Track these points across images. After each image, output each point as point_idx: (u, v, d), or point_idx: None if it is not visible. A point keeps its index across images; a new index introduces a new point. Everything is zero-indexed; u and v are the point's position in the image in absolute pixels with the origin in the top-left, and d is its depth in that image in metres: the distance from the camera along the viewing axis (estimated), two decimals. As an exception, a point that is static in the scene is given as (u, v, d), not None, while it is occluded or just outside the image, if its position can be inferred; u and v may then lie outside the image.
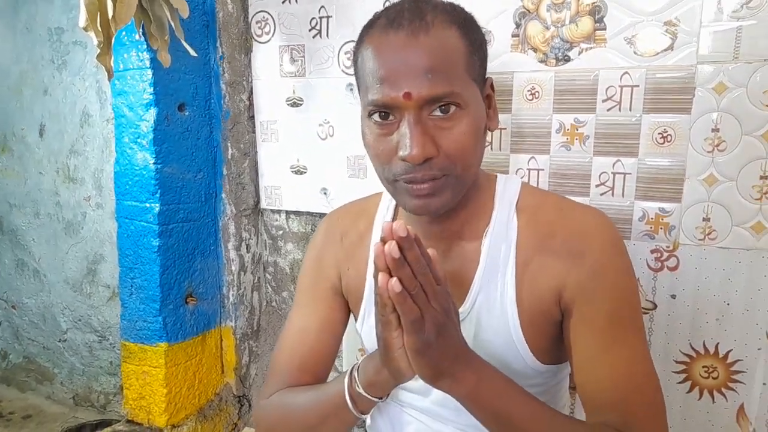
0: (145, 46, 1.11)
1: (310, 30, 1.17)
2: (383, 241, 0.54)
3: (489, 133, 0.80)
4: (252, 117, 1.31)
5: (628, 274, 0.71)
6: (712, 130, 0.87)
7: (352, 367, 0.72)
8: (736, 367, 0.92)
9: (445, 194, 0.67)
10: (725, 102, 0.86)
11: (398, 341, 0.60)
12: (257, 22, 1.24)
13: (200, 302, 1.29)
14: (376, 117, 0.67)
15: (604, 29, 0.91)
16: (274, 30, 1.22)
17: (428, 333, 0.58)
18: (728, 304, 0.91)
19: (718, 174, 0.88)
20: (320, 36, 1.17)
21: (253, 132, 1.31)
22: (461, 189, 0.69)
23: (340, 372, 1.29)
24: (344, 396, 0.70)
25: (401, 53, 0.64)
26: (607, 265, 0.69)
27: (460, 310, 0.72)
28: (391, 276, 0.54)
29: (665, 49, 0.88)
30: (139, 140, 1.16)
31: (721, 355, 0.93)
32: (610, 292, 0.68)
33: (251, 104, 1.30)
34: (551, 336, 0.72)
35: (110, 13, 0.93)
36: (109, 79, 1.01)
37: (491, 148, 1.03)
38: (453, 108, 0.65)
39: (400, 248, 0.53)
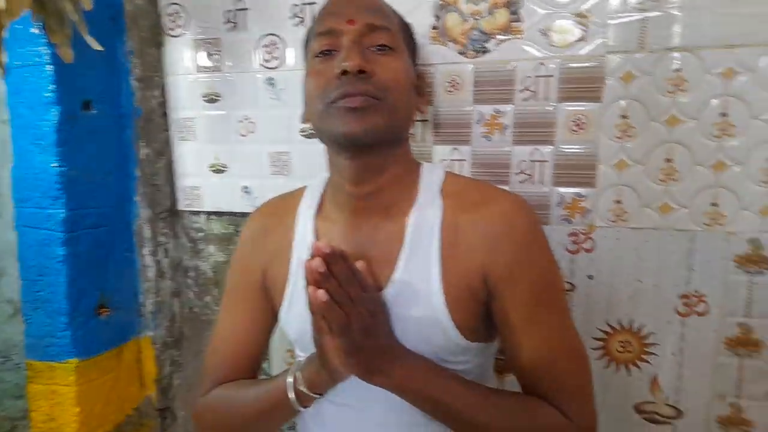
0: (43, 41, 0.99)
1: (226, 23, 1.10)
2: (313, 256, 0.59)
3: (414, 123, 0.80)
4: (166, 114, 1.20)
5: (548, 254, 0.73)
6: (622, 117, 0.89)
7: (294, 366, 0.74)
8: (649, 340, 0.94)
9: (376, 117, 0.68)
10: (633, 90, 0.88)
11: (331, 344, 0.66)
12: (169, 15, 1.14)
13: (114, 313, 1.17)
14: (320, 57, 0.71)
15: (520, 21, 0.90)
16: (187, 23, 1.13)
17: (356, 335, 0.63)
18: (641, 282, 0.93)
19: (628, 159, 0.90)
20: (237, 29, 1.09)
21: (168, 130, 1.21)
22: (392, 122, 0.70)
23: (267, 373, 1.21)
24: (288, 392, 0.72)
25: None
26: (529, 245, 0.71)
27: (387, 288, 0.72)
28: (320, 288, 0.60)
29: (577, 41, 0.89)
30: (39, 142, 1.03)
31: (635, 330, 0.95)
32: (534, 271, 0.71)
33: (165, 101, 1.20)
34: (477, 314, 0.72)
35: (1, 5, 0.81)
36: (2, 77, 0.89)
37: (415, 140, 1.00)
38: (390, 50, 0.71)
39: (328, 263, 0.59)
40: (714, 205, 0.87)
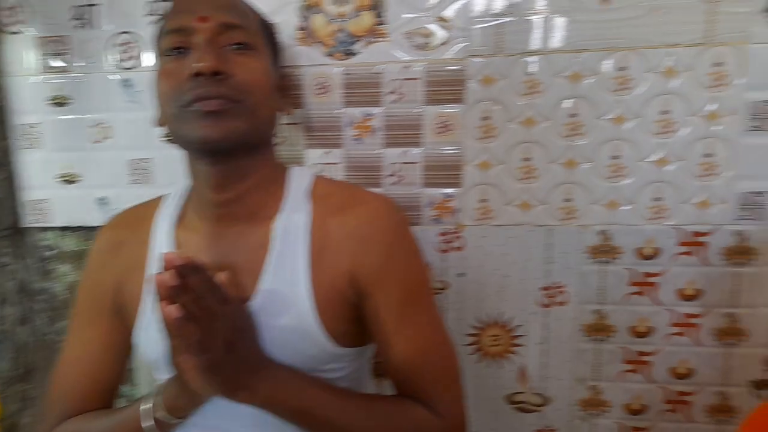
0: None
1: (74, 19, 0.99)
2: (164, 269, 0.53)
3: (279, 125, 0.76)
4: (4, 120, 1.06)
5: (416, 254, 0.73)
6: (484, 119, 0.91)
7: (152, 392, 0.67)
8: (517, 332, 0.97)
9: (235, 121, 0.64)
10: (493, 92, 0.90)
11: (189, 364, 0.59)
12: (6, 9, 1.01)
13: (-56, 345, 1.00)
14: (170, 55, 0.65)
15: (385, 24, 0.90)
16: (30, 18, 1.01)
17: (216, 352, 0.58)
18: (507, 277, 0.96)
19: (491, 158, 0.92)
20: (87, 26, 0.99)
21: (8, 138, 1.07)
22: (253, 126, 0.66)
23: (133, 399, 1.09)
24: (142, 421, 0.65)
25: None
26: (397, 247, 0.70)
27: (253, 298, 0.67)
28: (173, 303, 0.54)
29: (441, 44, 0.90)
30: None
31: (503, 324, 0.97)
32: (403, 270, 0.70)
33: (4, 105, 1.06)
34: (349, 319, 0.70)
35: None
36: None
37: (286, 144, 0.96)
38: (248, 49, 0.67)
39: (182, 275, 0.53)
40: (567, 200, 0.92)
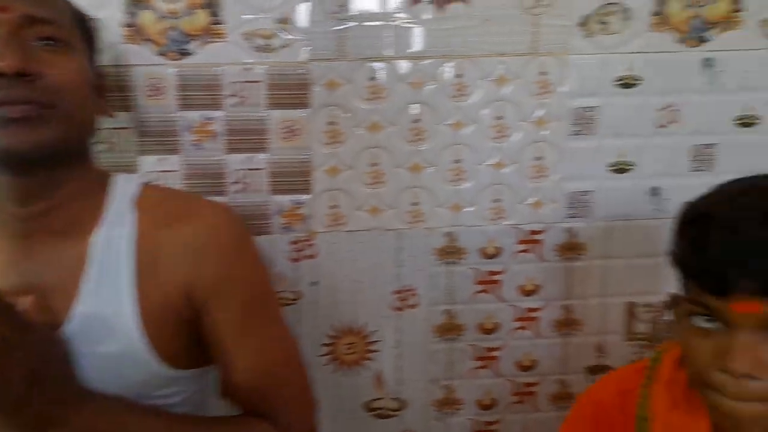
0: None
1: None
2: None
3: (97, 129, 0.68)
4: None
5: (258, 265, 0.69)
6: (330, 124, 0.89)
7: None
8: (372, 338, 0.96)
9: (45, 129, 0.55)
10: (337, 97, 0.88)
11: None
12: None
13: None
14: None
15: (222, 24, 0.85)
16: None
17: (17, 387, 0.49)
18: (360, 283, 0.94)
19: (339, 164, 0.90)
20: None
21: None
22: (67, 133, 0.58)
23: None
24: None
25: None
26: (236, 258, 0.65)
27: (67, 323, 0.59)
28: None
29: (283, 46, 0.86)
30: None
31: (358, 331, 0.95)
32: (242, 285, 0.65)
33: None
34: (185, 339, 0.64)
35: None
36: None
37: (115, 150, 0.87)
38: (60, 46, 0.58)
39: None
40: (414, 204, 0.92)
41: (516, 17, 0.88)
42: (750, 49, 0.92)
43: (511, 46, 0.89)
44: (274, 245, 0.90)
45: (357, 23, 0.87)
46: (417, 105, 0.89)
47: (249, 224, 0.88)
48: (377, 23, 0.87)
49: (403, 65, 0.88)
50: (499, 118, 0.91)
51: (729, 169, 0.93)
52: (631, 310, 0.99)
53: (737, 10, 0.90)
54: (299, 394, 0.71)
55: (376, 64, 0.88)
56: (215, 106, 0.87)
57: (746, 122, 0.94)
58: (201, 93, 0.86)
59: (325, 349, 0.95)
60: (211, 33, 0.85)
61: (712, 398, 0.54)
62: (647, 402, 0.65)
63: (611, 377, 0.75)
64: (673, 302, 0.62)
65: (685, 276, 0.58)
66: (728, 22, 0.91)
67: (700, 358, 0.55)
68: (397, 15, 0.87)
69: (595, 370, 1.00)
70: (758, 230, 0.50)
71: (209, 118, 0.87)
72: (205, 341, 0.66)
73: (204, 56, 0.85)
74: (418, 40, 0.88)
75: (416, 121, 0.90)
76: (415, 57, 0.88)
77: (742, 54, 0.92)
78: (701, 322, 0.55)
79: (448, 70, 0.89)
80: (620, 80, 0.91)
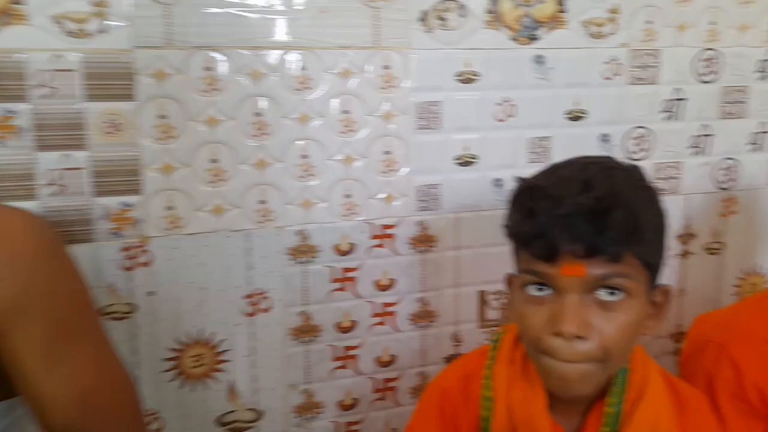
0: None
1: None
2: None
3: None
4: None
5: (69, 278, 0.61)
6: (160, 117, 0.80)
7: None
8: (221, 348, 0.88)
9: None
10: (168, 88, 0.80)
11: None
12: None
13: None
14: None
15: (23, 4, 0.72)
16: None
17: None
18: (205, 289, 0.86)
19: (174, 161, 0.82)
20: None
21: None
22: None
23: None
24: None
25: None
26: (40, 272, 0.57)
27: None
28: None
29: (99, 32, 0.76)
30: None
31: (206, 341, 0.87)
32: (44, 303, 0.57)
33: None
34: None
35: None
36: None
37: None
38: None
39: None
40: (262, 202, 0.87)
41: (356, 9, 0.86)
42: (575, 48, 0.98)
43: (353, 38, 0.86)
44: (101, 253, 0.80)
45: (187, 8, 0.79)
46: (258, 98, 0.84)
47: (68, 231, 0.77)
48: (210, 10, 0.80)
49: (241, 55, 0.82)
50: (346, 111, 0.88)
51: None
52: (483, 298, 1.01)
53: (562, 11, 0.96)
54: (128, 419, 0.62)
55: (212, 54, 0.81)
56: (19, 98, 0.74)
57: (575, 116, 1.00)
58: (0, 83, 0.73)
59: (169, 364, 0.86)
60: (10, 14, 0.73)
61: (545, 363, 0.57)
62: (490, 383, 0.65)
63: (456, 363, 0.75)
64: (510, 280, 0.64)
65: (518, 245, 0.60)
66: (555, 21, 0.96)
67: (535, 325, 0.57)
68: (233, 0, 0.81)
69: (453, 359, 1.01)
70: (579, 197, 0.53)
71: (11, 112, 0.74)
72: (8, 368, 0.55)
73: (2, 41, 0.73)
74: (257, 30, 0.82)
75: (258, 114, 0.84)
76: (254, 47, 0.83)
77: (568, 52, 0.98)
78: (534, 291, 0.57)
79: (290, 62, 0.84)
80: (460, 75, 0.93)
